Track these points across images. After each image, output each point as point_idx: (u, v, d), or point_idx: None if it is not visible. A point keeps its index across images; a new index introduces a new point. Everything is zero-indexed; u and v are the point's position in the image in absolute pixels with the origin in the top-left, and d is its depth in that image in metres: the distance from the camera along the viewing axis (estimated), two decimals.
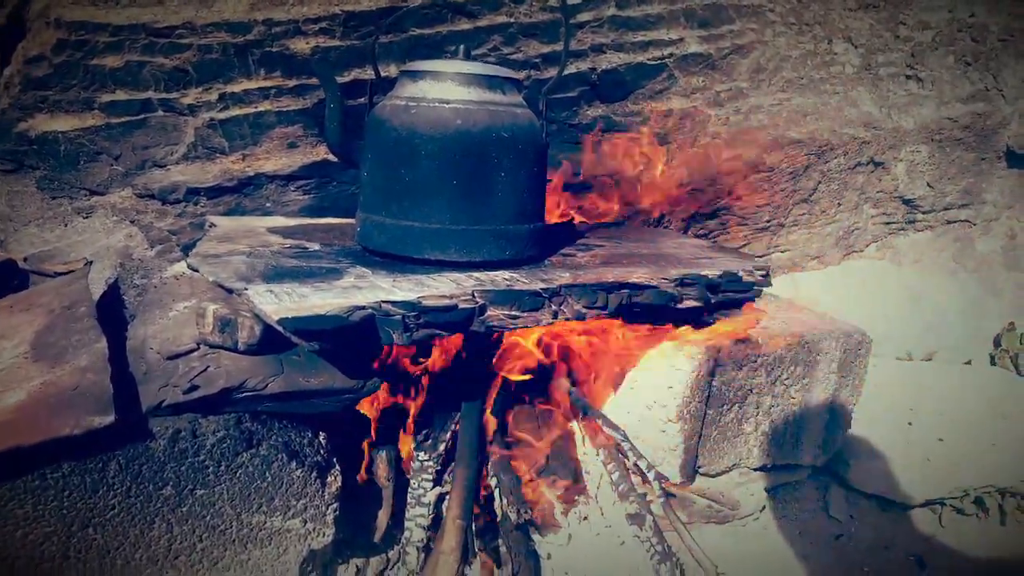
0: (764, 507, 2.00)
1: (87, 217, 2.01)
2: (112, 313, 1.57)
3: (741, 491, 1.96)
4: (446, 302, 1.39)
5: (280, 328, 1.25)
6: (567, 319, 1.54)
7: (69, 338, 1.45)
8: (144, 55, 1.97)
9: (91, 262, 1.91)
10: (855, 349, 1.96)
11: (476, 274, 1.54)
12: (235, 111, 2.06)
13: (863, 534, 2.01)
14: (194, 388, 1.32)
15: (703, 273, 1.70)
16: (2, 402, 1.24)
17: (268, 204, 2.10)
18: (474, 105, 1.54)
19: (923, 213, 2.76)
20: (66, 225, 2.00)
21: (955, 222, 2.79)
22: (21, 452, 1.16)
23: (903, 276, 2.75)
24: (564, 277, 1.56)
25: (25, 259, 1.91)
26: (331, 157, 2.11)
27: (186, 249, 2.01)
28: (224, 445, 1.33)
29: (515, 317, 1.48)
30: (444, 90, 1.56)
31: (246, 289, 1.34)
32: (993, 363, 2.68)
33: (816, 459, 2.05)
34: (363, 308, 1.30)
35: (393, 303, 1.34)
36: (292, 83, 2.09)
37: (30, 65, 1.93)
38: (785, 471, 2.03)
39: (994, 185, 2.75)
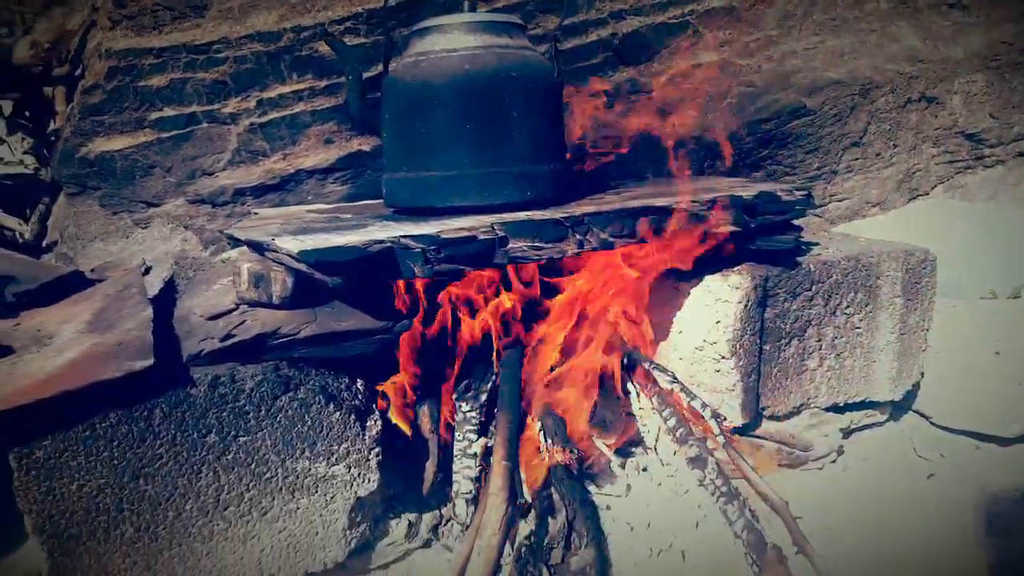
0: (842, 447, 1.87)
1: (145, 227, 2.14)
2: (167, 302, 1.66)
3: (814, 432, 1.85)
4: (465, 234, 1.39)
5: (301, 263, 1.28)
6: (593, 248, 1.52)
7: (121, 312, 1.53)
8: (186, 72, 2.11)
9: (149, 267, 2.01)
10: (918, 268, 1.84)
11: (499, 215, 1.54)
12: (273, 115, 2.16)
13: (957, 472, 1.85)
14: (230, 336, 1.36)
15: (737, 193, 1.65)
16: (56, 361, 1.32)
17: (309, 197, 2.17)
18: (481, 50, 1.56)
19: (990, 147, 2.60)
20: (127, 237, 2.13)
21: None
22: (69, 397, 1.21)
23: (977, 214, 2.57)
24: (587, 208, 1.54)
25: (92, 270, 2.04)
26: (365, 147, 2.19)
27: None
28: (262, 389, 1.36)
29: (538, 248, 1.47)
30: (451, 40, 1.59)
31: (273, 239, 1.39)
32: None
33: (892, 394, 1.91)
34: (382, 241, 1.33)
35: (412, 237, 1.35)
36: (323, 83, 2.18)
37: (87, 95, 2.10)
38: (860, 409, 1.91)
39: None
